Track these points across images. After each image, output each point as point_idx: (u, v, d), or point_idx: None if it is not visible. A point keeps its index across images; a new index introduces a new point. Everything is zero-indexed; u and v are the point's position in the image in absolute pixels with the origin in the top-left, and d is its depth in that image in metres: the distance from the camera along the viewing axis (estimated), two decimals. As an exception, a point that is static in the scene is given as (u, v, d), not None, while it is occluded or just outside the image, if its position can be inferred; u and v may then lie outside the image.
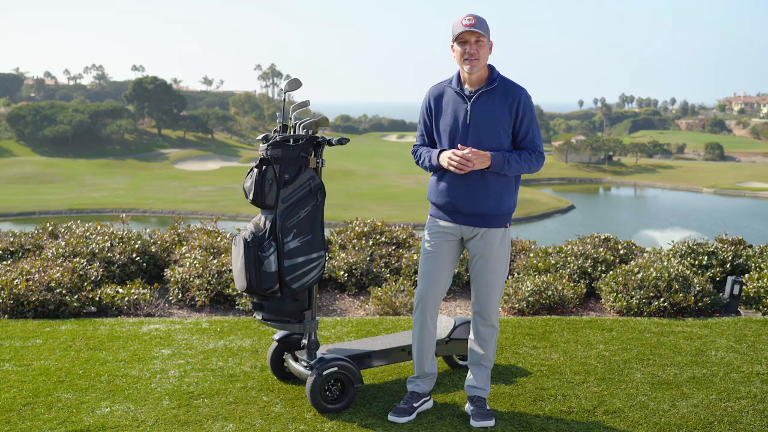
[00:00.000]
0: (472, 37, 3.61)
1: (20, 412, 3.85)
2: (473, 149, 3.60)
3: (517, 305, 6.12)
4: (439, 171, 3.80)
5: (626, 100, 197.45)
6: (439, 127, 3.79)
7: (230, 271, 6.20)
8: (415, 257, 6.87)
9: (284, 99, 4.13)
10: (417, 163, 3.91)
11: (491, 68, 3.74)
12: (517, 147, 3.75)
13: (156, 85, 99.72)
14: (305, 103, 4.04)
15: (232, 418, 3.80)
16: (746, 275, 6.54)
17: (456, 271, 6.67)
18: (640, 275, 6.11)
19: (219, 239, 7.05)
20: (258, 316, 3.95)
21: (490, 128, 3.67)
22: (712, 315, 6.08)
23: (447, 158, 3.66)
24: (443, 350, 4.44)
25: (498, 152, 3.65)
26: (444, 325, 4.55)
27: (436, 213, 3.86)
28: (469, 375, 3.94)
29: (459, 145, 3.65)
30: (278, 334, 4.28)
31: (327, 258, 6.82)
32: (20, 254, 7.01)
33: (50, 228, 7.82)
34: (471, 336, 3.95)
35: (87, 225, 7.38)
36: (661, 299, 5.94)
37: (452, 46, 3.69)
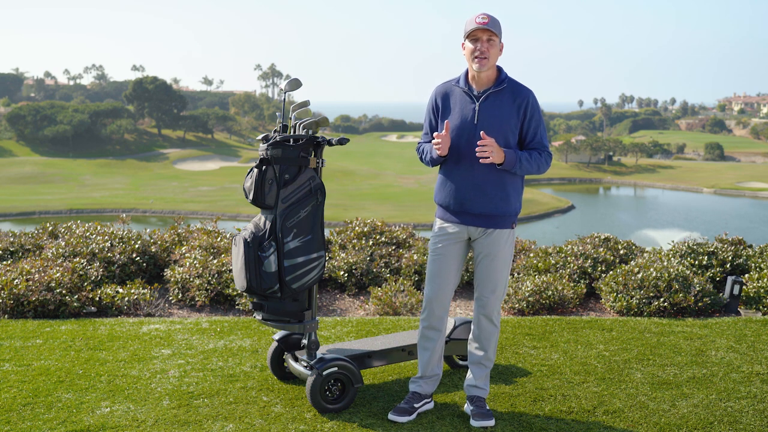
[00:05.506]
0: (484, 35, 3.60)
1: (20, 412, 3.85)
2: (493, 141, 3.56)
3: (517, 305, 6.12)
4: (445, 171, 3.79)
5: (626, 100, 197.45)
6: None
7: (230, 271, 6.20)
8: (415, 257, 6.86)
9: (284, 99, 4.13)
10: (421, 159, 3.91)
11: (499, 69, 3.73)
12: (525, 148, 3.74)
13: (156, 85, 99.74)
14: (305, 103, 4.03)
15: (232, 418, 3.80)
16: (746, 275, 6.54)
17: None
18: (640, 275, 6.11)
19: (219, 239, 7.05)
20: (258, 316, 3.95)
21: (498, 129, 3.65)
22: (712, 315, 6.08)
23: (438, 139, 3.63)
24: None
25: (510, 150, 3.64)
26: (444, 325, 4.54)
27: (443, 215, 3.85)
28: (469, 374, 3.94)
29: (482, 133, 3.57)
30: (278, 334, 4.28)
31: (327, 258, 6.82)
32: (20, 254, 7.01)
33: (50, 228, 7.82)
34: (471, 335, 3.95)
35: (87, 225, 7.38)
36: (661, 299, 5.94)
37: (463, 44, 3.68)
